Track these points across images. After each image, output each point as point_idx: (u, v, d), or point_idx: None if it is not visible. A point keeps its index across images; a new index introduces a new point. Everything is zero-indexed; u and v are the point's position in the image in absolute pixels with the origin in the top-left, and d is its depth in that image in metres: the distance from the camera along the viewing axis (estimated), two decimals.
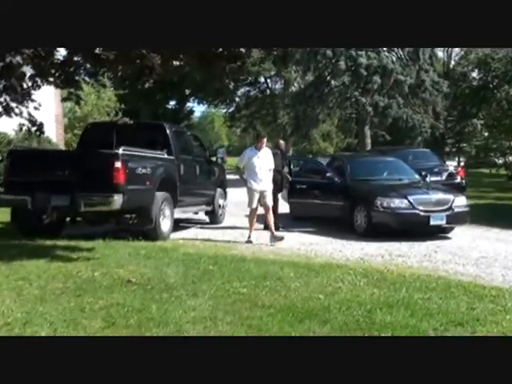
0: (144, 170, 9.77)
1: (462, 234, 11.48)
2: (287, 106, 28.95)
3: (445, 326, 4.74)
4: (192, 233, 11.62)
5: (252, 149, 10.87)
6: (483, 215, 13.66)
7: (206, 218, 13.35)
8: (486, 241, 10.82)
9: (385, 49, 26.13)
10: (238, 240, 10.51)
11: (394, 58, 26.96)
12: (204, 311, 5.22)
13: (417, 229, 11.13)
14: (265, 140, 10.80)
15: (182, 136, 12.34)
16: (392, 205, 10.93)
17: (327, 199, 12.60)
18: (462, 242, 10.54)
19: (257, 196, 10.36)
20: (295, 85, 33.97)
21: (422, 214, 10.79)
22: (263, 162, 10.46)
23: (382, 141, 31.02)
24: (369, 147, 26.74)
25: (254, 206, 10.43)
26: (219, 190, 13.29)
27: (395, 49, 26.67)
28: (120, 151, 9.02)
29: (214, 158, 13.48)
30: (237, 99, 38.54)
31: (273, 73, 34.74)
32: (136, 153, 9.68)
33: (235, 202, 15.08)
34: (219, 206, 13.20)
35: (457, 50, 35.52)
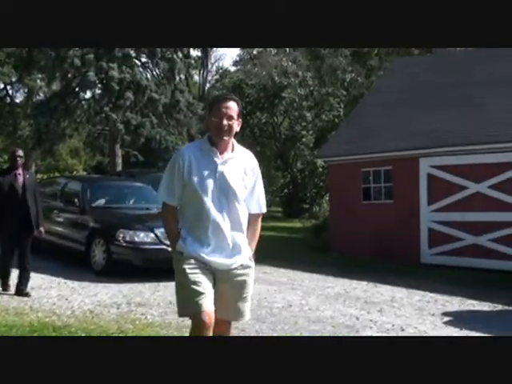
0: None
1: None
2: (29, 116, 25.84)
3: None
4: None
5: (198, 145, 3.68)
6: None
7: None
8: None
9: (139, 64, 24.71)
10: None
11: (149, 75, 25.68)
12: None
13: (164, 267, 9.67)
14: (235, 115, 3.54)
15: None
16: (136, 239, 9.39)
17: (65, 228, 10.68)
18: None
19: (207, 286, 3.44)
20: (41, 94, 30.74)
21: (169, 249, 9.37)
22: (232, 183, 3.52)
23: (135, 161, 29.45)
24: (120, 167, 24.96)
25: (203, 316, 3.34)
26: None
27: (150, 65, 25.42)
28: None
29: None
30: None
31: (14, 79, 31.05)
32: None
33: None
34: None
35: (213, 73, 35.83)
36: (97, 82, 22.84)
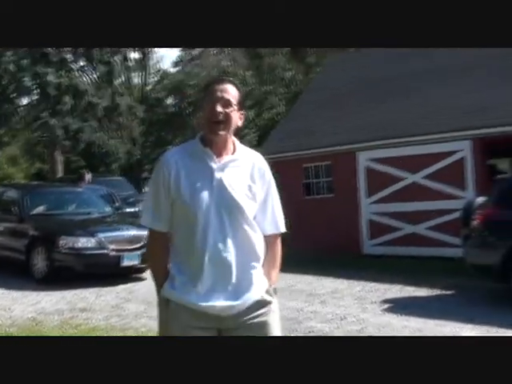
0: None
1: None
2: None
3: None
4: None
5: (187, 148, 2.68)
6: None
7: None
8: None
9: (76, 68, 24.38)
10: None
11: (87, 79, 25.37)
12: None
13: (107, 271, 9.67)
14: (235, 101, 2.58)
15: None
16: (77, 245, 9.34)
17: (3, 238, 10.51)
18: None
19: None
20: None
21: (112, 253, 9.40)
22: (235, 194, 2.55)
23: (76, 167, 29.03)
24: (60, 174, 24.59)
25: None
26: None
27: (87, 69, 25.11)
28: None
29: None
30: None
31: None
32: None
33: None
34: None
35: (152, 75, 35.53)
36: (33, 87, 22.44)
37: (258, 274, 2.57)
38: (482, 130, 11.01)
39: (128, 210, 14.06)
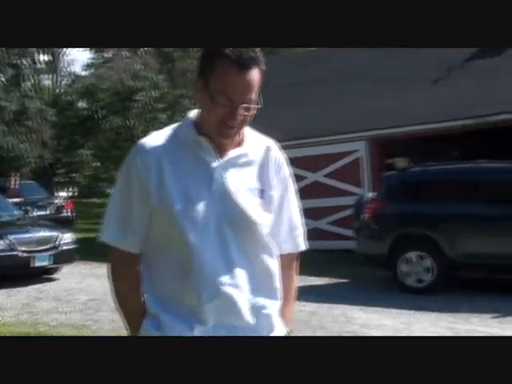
0: None
1: (70, 274, 10.58)
2: None
3: None
4: None
5: (173, 136, 1.83)
6: (94, 250, 13.01)
7: None
8: (95, 279, 10.11)
9: None
10: None
11: None
12: None
13: (18, 272, 9.81)
14: (256, 92, 1.75)
15: None
16: None
17: None
18: (70, 284, 9.63)
19: None
20: None
21: (22, 254, 9.54)
22: (245, 204, 1.80)
23: None
24: None
25: None
26: None
27: None
28: None
29: None
30: None
31: None
32: None
33: None
34: None
35: (63, 78, 35.01)
36: None
37: (275, 313, 1.91)
38: (374, 132, 11.93)
39: (40, 213, 14.17)
